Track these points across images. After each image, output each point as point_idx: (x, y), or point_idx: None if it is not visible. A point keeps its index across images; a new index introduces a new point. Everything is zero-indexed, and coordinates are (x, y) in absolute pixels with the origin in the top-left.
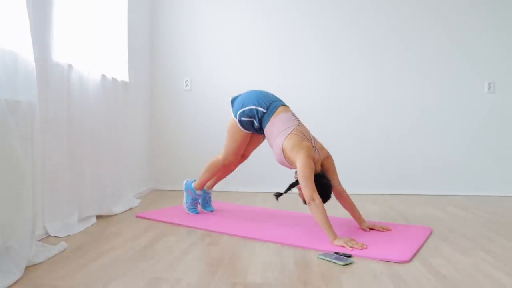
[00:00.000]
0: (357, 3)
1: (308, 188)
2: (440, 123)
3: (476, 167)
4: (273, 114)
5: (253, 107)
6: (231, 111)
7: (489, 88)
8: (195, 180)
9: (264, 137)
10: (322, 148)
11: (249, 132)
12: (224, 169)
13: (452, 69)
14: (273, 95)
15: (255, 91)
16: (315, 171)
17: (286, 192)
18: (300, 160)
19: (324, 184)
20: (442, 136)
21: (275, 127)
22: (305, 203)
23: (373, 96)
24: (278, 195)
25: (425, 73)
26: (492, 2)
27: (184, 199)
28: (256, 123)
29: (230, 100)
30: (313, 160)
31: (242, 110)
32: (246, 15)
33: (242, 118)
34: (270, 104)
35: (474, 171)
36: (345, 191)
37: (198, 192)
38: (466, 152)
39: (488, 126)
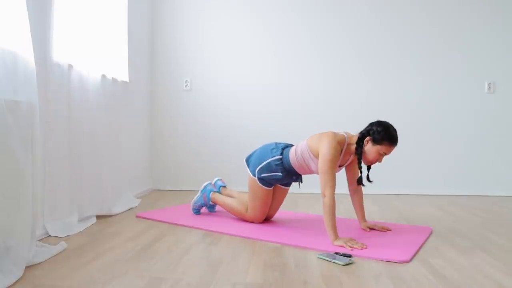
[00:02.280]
0: (356, 3)
1: (322, 182)
2: (440, 123)
3: (476, 167)
4: (289, 153)
5: (270, 159)
6: (248, 170)
7: (489, 88)
8: (215, 191)
9: (285, 193)
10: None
11: (271, 188)
12: None
13: (452, 69)
14: (283, 142)
15: (267, 144)
16: (354, 140)
17: (361, 174)
18: (321, 151)
19: (382, 125)
20: (442, 136)
21: (297, 151)
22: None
23: (372, 96)
24: (359, 181)
25: (425, 73)
26: (492, 2)
27: (195, 199)
28: (278, 175)
29: (244, 159)
30: (342, 144)
31: (260, 167)
32: (246, 16)
33: (263, 175)
34: (283, 149)
35: (474, 171)
36: (361, 190)
37: (211, 203)
38: (466, 152)
39: (488, 126)
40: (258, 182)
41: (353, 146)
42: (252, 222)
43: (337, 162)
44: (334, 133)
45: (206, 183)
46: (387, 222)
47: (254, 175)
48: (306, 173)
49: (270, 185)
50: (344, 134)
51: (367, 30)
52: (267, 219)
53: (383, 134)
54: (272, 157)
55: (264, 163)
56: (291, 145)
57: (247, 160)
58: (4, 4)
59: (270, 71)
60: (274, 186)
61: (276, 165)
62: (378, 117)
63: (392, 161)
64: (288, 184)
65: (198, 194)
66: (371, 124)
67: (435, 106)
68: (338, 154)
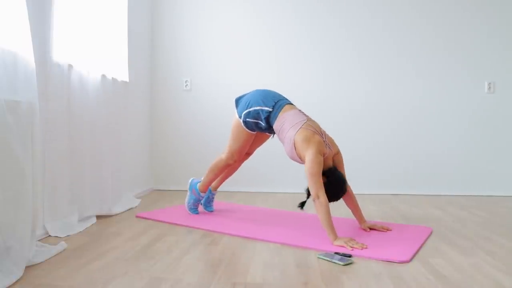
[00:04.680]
0: (355, 3)
1: (314, 184)
2: (440, 123)
3: (476, 167)
4: (280, 111)
5: (258, 107)
6: (236, 111)
7: (489, 88)
8: (200, 181)
9: (269, 136)
10: (332, 142)
11: (254, 132)
12: (228, 168)
13: (452, 69)
14: (278, 94)
15: (260, 90)
16: (327, 165)
17: (308, 198)
18: (309, 155)
19: (338, 178)
20: (442, 136)
21: (286, 122)
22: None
23: (372, 96)
24: (302, 205)
25: (424, 73)
26: (492, 2)
27: (187, 198)
28: (262, 124)
29: (234, 100)
30: (324, 155)
31: (247, 111)
32: (246, 15)
33: (247, 119)
34: (276, 102)
35: (474, 171)
36: (351, 189)
37: (202, 194)
38: (466, 152)
39: (488, 126)
40: (242, 124)
41: (330, 162)
42: (226, 162)
43: (322, 166)
44: (320, 142)
45: (190, 179)
46: (387, 222)
47: (240, 117)
48: (280, 140)
49: (253, 130)
50: (328, 150)
51: (366, 30)
52: (244, 157)
53: (333, 188)
54: (261, 106)
55: (252, 109)
56: (285, 100)
57: (237, 101)
58: (4, 4)
59: (270, 71)
60: (256, 132)
61: (266, 116)
62: (377, 117)
63: (391, 161)
64: (271, 132)
65: (188, 193)
66: (333, 174)
67: (435, 106)
68: (322, 160)
